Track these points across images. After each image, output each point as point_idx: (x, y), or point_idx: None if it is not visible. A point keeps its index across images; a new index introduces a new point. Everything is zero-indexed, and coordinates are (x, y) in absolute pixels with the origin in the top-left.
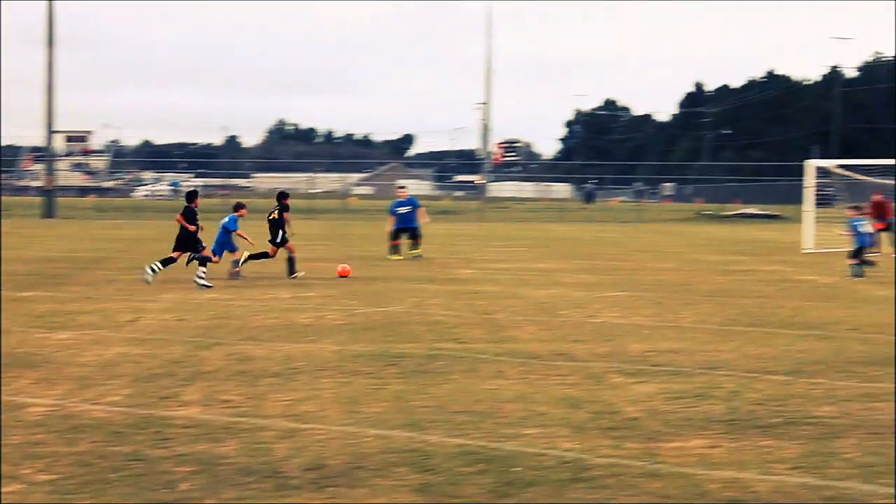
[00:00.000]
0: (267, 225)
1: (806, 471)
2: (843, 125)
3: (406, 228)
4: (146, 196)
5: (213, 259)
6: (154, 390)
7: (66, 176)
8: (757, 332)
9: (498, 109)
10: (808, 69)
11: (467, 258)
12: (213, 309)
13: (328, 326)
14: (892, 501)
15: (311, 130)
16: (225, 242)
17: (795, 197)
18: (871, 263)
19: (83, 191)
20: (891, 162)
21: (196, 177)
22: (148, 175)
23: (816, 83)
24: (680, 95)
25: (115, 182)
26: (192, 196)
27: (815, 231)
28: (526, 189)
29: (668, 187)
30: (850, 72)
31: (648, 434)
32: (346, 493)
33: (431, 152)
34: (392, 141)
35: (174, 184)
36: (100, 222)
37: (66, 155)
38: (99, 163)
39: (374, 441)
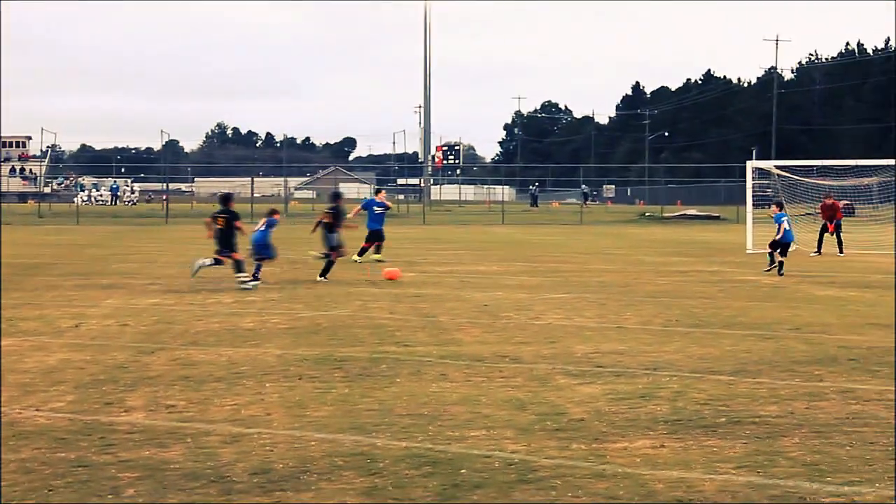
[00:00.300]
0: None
1: (751, 470)
2: (780, 126)
3: (378, 231)
4: (86, 202)
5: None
6: (97, 396)
7: (6, 182)
8: (700, 333)
9: (438, 112)
10: (745, 71)
11: (410, 261)
12: (155, 314)
13: (272, 330)
14: (837, 500)
15: (252, 134)
16: (265, 243)
17: (735, 198)
18: (779, 266)
19: (22, 196)
20: (827, 163)
21: (135, 181)
22: (87, 180)
23: (754, 85)
24: (619, 97)
25: (55, 187)
26: (228, 198)
27: (755, 232)
28: (467, 192)
29: (609, 189)
30: (787, 73)
31: (594, 435)
32: (293, 497)
33: (373, 156)
34: (333, 144)
35: (114, 189)
36: (40, 227)
37: (5, 160)
38: (38, 168)
39: (320, 445)
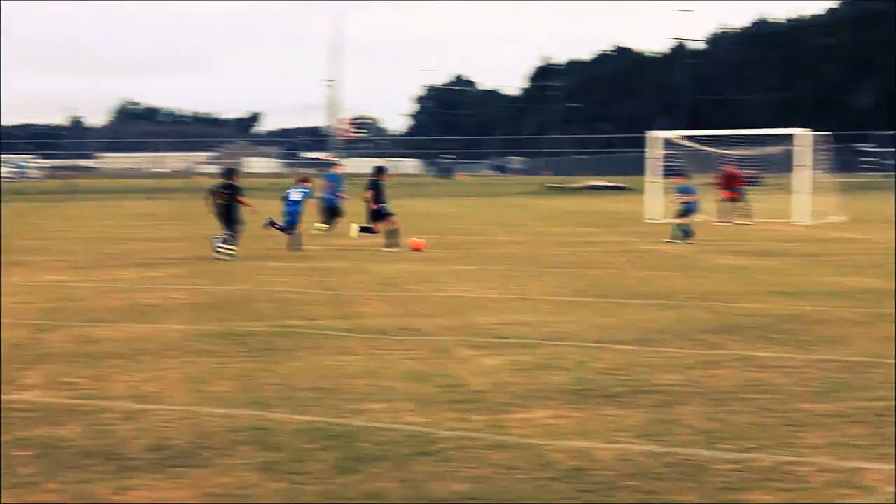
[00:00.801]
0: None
1: (650, 438)
2: (690, 97)
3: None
4: None
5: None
6: None
7: None
8: (603, 303)
9: (346, 86)
10: (655, 42)
11: (313, 235)
12: (57, 291)
13: (174, 306)
14: (734, 467)
15: (157, 109)
16: (297, 212)
17: (643, 168)
18: (691, 234)
19: None
20: (736, 132)
21: (42, 158)
22: None
23: (663, 56)
24: (528, 70)
25: None
26: (231, 172)
27: (661, 201)
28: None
29: (517, 161)
30: (697, 44)
31: (495, 406)
32: (191, 472)
33: (280, 130)
34: (239, 119)
35: (19, 166)
36: None
37: None
38: None
39: (220, 420)
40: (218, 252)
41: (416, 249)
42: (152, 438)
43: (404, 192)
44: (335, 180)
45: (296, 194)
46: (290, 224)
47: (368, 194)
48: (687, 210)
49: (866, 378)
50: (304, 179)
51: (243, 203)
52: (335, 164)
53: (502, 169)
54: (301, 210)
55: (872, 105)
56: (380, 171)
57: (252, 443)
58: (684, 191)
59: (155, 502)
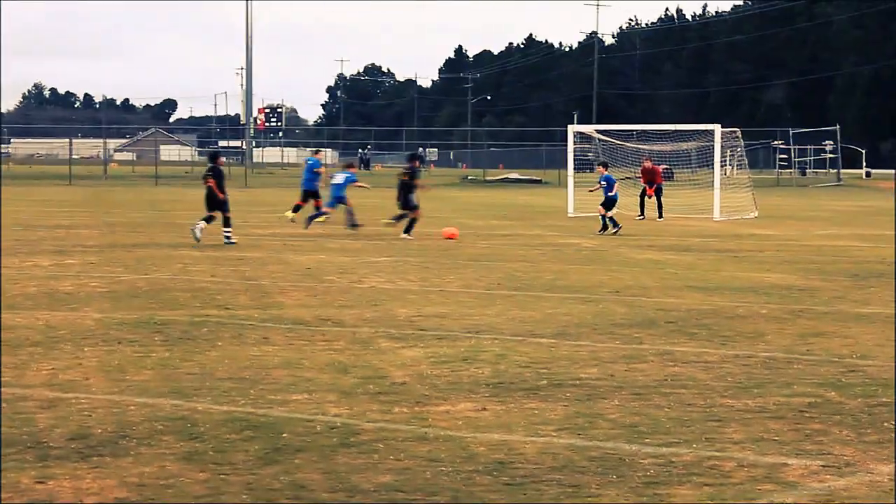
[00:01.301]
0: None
1: (572, 432)
2: (601, 91)
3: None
4: None
5: (329, 212)
6: None
7: None
8: (522, 296)
9: (261, 75)
10: (567, 35)
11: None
12: None
13: (91, 294)
14: (655, 461)
15: (70, 95)
16: (340, 196)
17: (557, 162)
18: (609, 223)
19: None
20: (647, 127)
21: None
22: None
23: (575, 49)
24: (442, 61)
25: None
26: (216, 156)
27: (576, 195)
28: (290, 154)
29: (432, 152)
30: (608, 38)
31: (416, 398)
32: (112, 462)
33: (194, 118)
34: (153, 106)
35: None
36: None
37: None
38: None
39: (140, 409)
40: (227, 239)
41: (451, 238)
42: (73, 427)
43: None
44: (317, 166)
45: (339, 178)
46: (331, 205)
47: (405, 178)
48: (610, 201)
49: (785, 374)
50: (350, 165)
51: (213, 189)
52: (318, 151)
53: (421, 160)
54: (342, 192)
55: (782, 101)
56: (413, 157)
57: (174, 433)
58: (607, 181)
59: (77, 491)
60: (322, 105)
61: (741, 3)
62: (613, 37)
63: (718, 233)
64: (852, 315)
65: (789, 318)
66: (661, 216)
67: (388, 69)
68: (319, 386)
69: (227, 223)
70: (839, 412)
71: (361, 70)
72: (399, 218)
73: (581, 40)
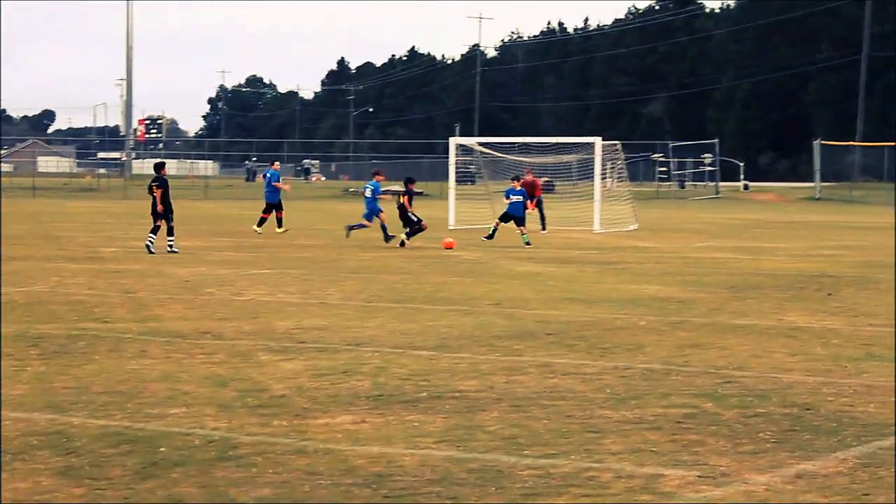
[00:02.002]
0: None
1: (451, 444)
2: (483, 103)
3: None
4: None
5: (367, 224)
6: None
7: None
8: (402, 308)
9: (141, 85)
10: (449, 48)
11: (110, 236)
12: None
13: None
14: (534, 472)
15: None
16: (375, 208)
17: (438, 174)
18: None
19: None
20: (529, 140)
21: None
22: None
23: (458, 62)
24: (324, 72)
25: None
26: (161, 166)
27: (457, 208)
28: (170, 166)
29: (316, 165)
30: (490, 51)
31: (296, 411)
32: None
33: (73, 129)
34: (31, 117)
35: None
36: None
37: None
38: None
39: (15, 424)
40: (170, 247)
41: (449, 248)
42: None
43: (197, 194)
44: (276, 179)
45: (367, 191)
46: (367, 217)
47: (405, 199)
48: (513, 212)
49: (662, 385)
50: (376, 173)
51: (157, 199)
52: (274, 163)
53: (307, 172)
54: (375, 204)
55: (663, 114)
56: (410, 180)
57: (49, 447)
58: (515, 194)
59: None
60: (203, 116)
61: (622, 16)
62: (496, 49)
63: (599, 245)
64: (729, 326)
65: (667, 329)
66: (543, 228)
67: (270, 81)
68: (198, 399)
69: (170, 232)
70: (715, 423)
71: (243, 81)
72: (412, 234)
73: (463, 53)
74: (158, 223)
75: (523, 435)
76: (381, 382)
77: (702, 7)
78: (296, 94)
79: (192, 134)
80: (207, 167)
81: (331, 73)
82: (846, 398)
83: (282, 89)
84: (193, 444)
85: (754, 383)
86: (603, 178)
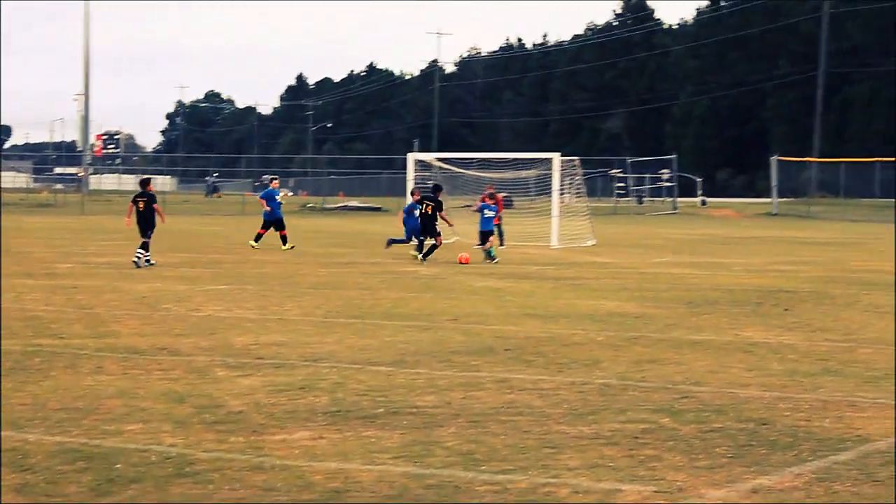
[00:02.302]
0: None
1: (408, 460)
2: (442, 119)
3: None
4: None
5: (409, 242)
6: None
7: None
8: (360, 324)
9: (99, 101)
10: (408, 63)
11: (67, 252)
12: None
13: None
14: (491, 488)
15: None
16: (416, 227)
17: (397, 189)
18: (491, 255)
19: None
20: (487, 155)
21: None
22: None
23: (416, 77)
24: (282, 88)
25: None
26: (147, 182)
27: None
28: (128, 181)
29: (280, 180)
30: (449, 67)
31: (253, 427)
32: None
33: (29, 144)
34: None
35: None
36: None
37: None
38: None
39: None
40: (137, 258)
41: (463, 263)
42: None
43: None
44: (276, 194)
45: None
46: (408, 236)
47: (429, 208)
48: (484, 228)
49: (619, 400)
50: (413, 193)
51: (158, 213)
52: (274, 179)
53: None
54: (415, 222)
55: (621, 130)
56: (437, 189)
57: (5, 464)
58: (488, 209)
59: None
60: (161, 132)
61: (581, 32)
62: (454, 65)
63: (557, 260)
64: (686, 342)
65: (625, 345)
66: (502, 244)
67: (229, 96)
68: (154, 415)
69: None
70: (672, 438)
71: (202, 97)
72: (427, 250)
73: (422, 68)
74: (146, 239)
75: (481, 450)
76: (338, 398)
77: (660, 23)
78: (254, 109)
79: (149, 149)
80: (165, 182)
81: (289, 89)
82: (802, 413)
83: (240, 104)
84: (150, 460)
85: (711, 398)
86: (561, 194)
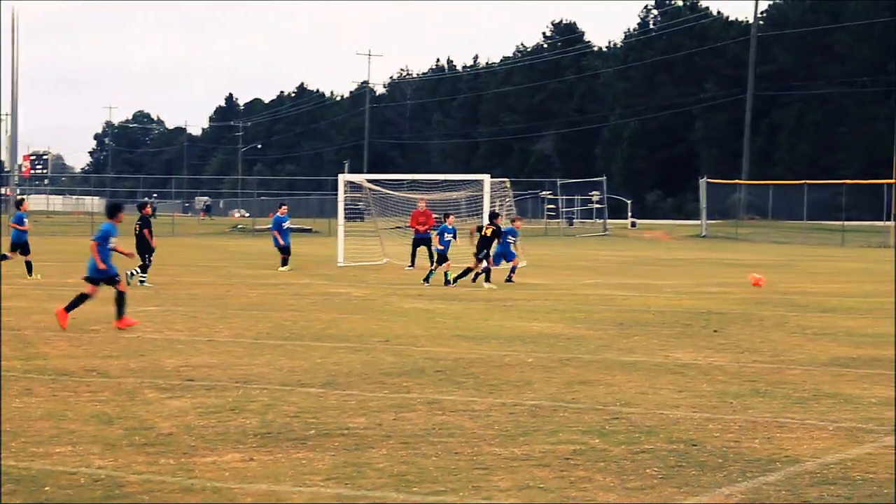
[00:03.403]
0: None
1: (339, 481)
2: (372, 140)
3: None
4: None
5: (440, 268)
6: None
7: None
8: (291, 345)
9: (26, 120)
10: (338, 84)
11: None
12: None
13: None
14: None
15: None
16: (505, 252)
17: (327, 211)
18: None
19: None
20: (418, 177)
21: None
22: None
23: (347, 98)
24: (212, 109)
25: None
26: (144, 205)
27: (346, 245)
28: (56, 202)
29: (201, 201)
30: (379, 88)
31: (183, 449)
32: None
33: None
34: None
35: None
36: None
37: None
38: None
39: None
40: (130, 278)
41: (757, 285)
42: None
43: (85, 230)
44: (285, 221)
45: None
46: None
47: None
48: (440, 252)
49: (550, 421)
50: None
51: (147, 237)
52: (282, 206)
53: (208, 209)
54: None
55: (551, 152)
56: (495, 216)
57: None
58: (448, 231)
59: None
60: (90, 152)
61: (511, 54)
62: (384, 87)
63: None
64: (617, 363)
65: (556, 366)
66: (433, 265)
67: (158, 116)
68: (83, 438)
69: (145, 270)
70: (603, 459)
71: (130, 117)
72: (471, 274)
73: (353, 90)
74: (147, 261)
75: (412, 472)
76: (269, 420)
77: (589, 45)
78: (184, 130)
79: (78, 169)
80: (94, 203)
81: (219, 110)
82: (732, 434)
83: (170, 125)
84: (79, 483)
85: (641, 419)
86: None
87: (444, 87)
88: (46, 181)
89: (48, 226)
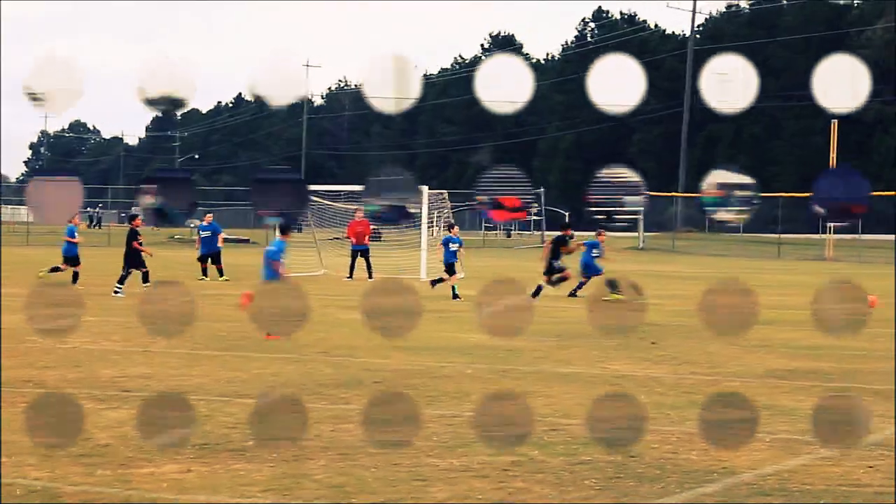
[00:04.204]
0: None
1: (277, 493)
2: (309, 151)
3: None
4: None
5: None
6: None
7: None
8: (229, 356)
9: None
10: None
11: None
12: None
13: None
14: None
15: None
16: (590, 265)
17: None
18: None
19: None
20: (356, 188)
21: None
22: None
23: (284, 109)
24: (149, 118)
25: None
26: (133, 218)
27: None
28: None
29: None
30: (317, 98)
31: (120, 460)
32: None
33: None
34: None
35: None
36: None
37: None
38: None
39: None
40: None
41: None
42: None
43: (19, 240)
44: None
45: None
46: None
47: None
48: (448, 260)
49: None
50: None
51: (138, 248)
52: (207, 215)
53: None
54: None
55: (489, 164)
56: (567, 226)
57: None
58: (448, 242)
59: None
60: (25, 162)
61: (448, 66)
62: (322, 97)
63: (425, 293)
64: (555, 375)
65: (494, 377)
66: (370, 276)
67: (94, 126)
68: (21, 448)
69: (122, 281)
70: (541, 470)
71: (66, 126)
72: (555, 281)
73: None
74: (135, 271)
75: (350, 483)
76: (206, 431)
77: (528, 57)
78: (120, 139)
79: (13, 179)
80: (28, 213)
81: (155, 119)
82: (669, 446)
83: (106, 135)
84: (15, 493)
85: (579, 431)
86: (429, 227)
87: None
88: None
89: None
